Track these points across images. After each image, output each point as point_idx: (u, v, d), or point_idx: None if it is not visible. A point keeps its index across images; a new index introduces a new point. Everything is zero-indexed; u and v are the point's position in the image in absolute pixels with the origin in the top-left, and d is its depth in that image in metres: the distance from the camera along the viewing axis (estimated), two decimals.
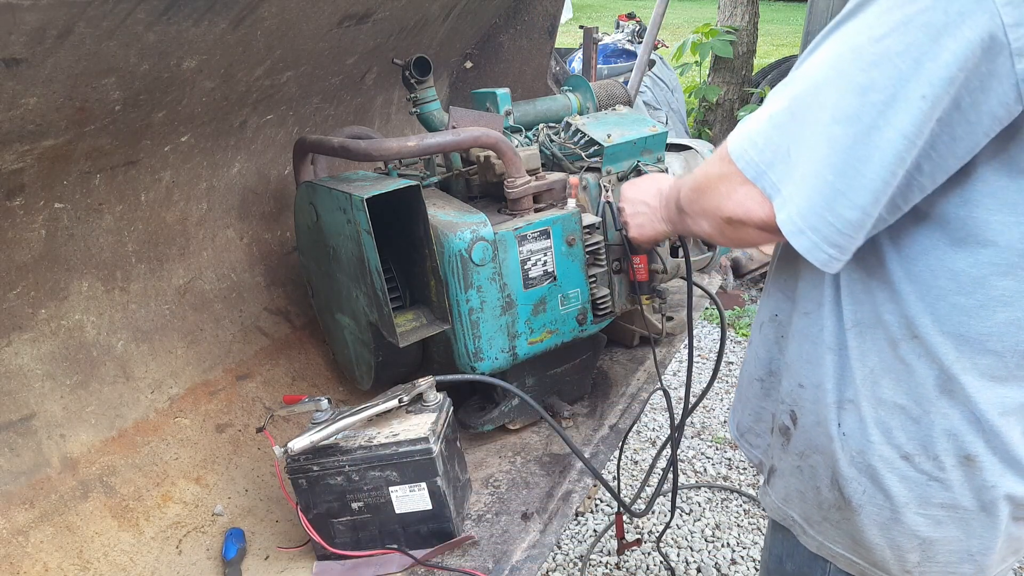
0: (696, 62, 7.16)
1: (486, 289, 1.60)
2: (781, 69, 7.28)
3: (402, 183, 1.55)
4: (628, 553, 2.88)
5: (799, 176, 0.92)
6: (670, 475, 1.90)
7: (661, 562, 2.83)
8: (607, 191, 1.84)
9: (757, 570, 2.76)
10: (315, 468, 1.42)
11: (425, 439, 1.40)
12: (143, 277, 1.83)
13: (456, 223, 1.59)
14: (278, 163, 2.16)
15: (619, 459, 2.03)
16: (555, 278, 1.69)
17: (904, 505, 1.06)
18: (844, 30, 0.91)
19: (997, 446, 1.01)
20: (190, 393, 1.85)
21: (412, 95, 1.88)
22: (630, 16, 8.94)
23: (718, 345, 1.89)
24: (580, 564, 2.85)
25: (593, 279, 1.78)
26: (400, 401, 1.48)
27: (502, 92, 1.97)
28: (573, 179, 1.80)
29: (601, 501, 3.20)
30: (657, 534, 2.93)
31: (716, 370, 1.92)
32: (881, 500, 1.08)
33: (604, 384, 2.06)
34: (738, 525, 3.03)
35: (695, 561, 2.85)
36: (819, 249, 0.93)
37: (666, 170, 1.94)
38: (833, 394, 1.10)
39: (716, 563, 2.83)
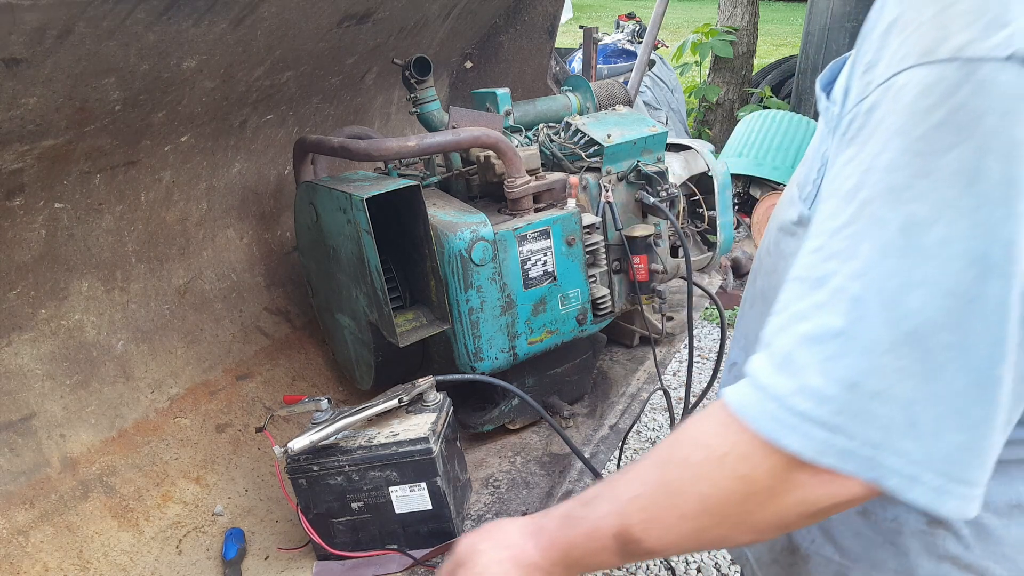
0: (696, 62, 7.16)
1: (486, 289, 1.60)
2: (781, 69, 7.28)
3: (402, 183, 1.55)
4: None
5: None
6: None
7: (661, 562, 2.83)
8: (607, 191, 1.84)
9: None
10: (315, 468, 1.42)
11: (425, 439, 1.40)
12: (143, 277, 1.83)
13: (456, 223, 1.58)
14: (278, 163, 2.16)
15: (619, 459, 2.03)
16: (555, 278, 1.69)
17: (855, 561, 0.91)
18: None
19: None
20: (190, 393, 1.85)
21: (412, 95, 1.88)
22: (630, 16, 8.94)
23: (718, 345, 1.89)
24: None
25: (593, 279, 1.78)
26: (400, 401, 1.48)
27: (502, 92, 1.97)
28: (573, 179, 1.80)
29: None
30: None
31: (716, 370, 1.92)
32: (830, 552, 0.93)
33: (604, 384, 2.05)
34: None
35: (695, 561, 2.85)
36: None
37: (666, 170, 1.94)
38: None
39: (716, 563, 2.83)
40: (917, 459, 0.63)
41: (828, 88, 0.87)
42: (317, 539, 1.44)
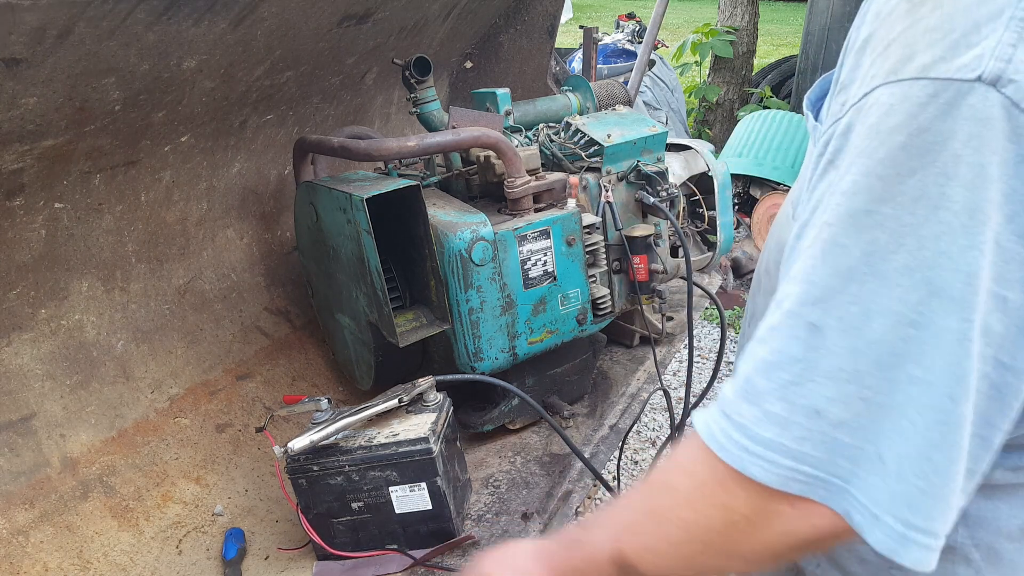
0: (696, 62, 7.16)
1: (486, 289, 1.60)
2: (781, 69, 7.28)
3: (402, 183, 1.55)
4: None
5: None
6: None
7: None
8: (607, 191, 1.84)
9: None
10: (315, 468, 1.42)
11: (425, 439, 1.40)
12: (143, 277, 1.83)
13: (456, 223, 1.58)
14: (278, 163, 2.16)
15: (619, 459, 2.03)
16: (555, 278, 1.69)
17: None
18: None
19: None
20: (190, 393, 1.85)
21: (412, 95, 1.88)
22: (630, 16, 8.93)
23: (718, 345, 1.89)
24: None
25: (593, 279, 1.78)
26: (400, 401, 1.48)
27: (502, 92, 1.97)
28: (573, 179, 1.80)
29: (601, 501, 3.20)
30: None
31: (716, 370, 1.92)
32: None
33: (604, 384, 2.05)
34: None
35: None
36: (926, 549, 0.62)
37: (666, 170, 1.94)
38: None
39: None
40: (880, 499, 0.60)
41: (816, 107, 0.84)
42: (317, 539, 1.44)
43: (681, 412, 1.84)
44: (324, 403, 1.50)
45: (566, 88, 2.24)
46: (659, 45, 7.69)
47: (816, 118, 0.82)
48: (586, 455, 1.72)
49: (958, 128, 0.55)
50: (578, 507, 1.71)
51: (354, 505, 1.44)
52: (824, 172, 0.65)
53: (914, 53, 0.57)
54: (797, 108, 6.21)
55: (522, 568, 0.86)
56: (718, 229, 2.20)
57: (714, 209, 2.20)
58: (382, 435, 1.44)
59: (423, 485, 1.42)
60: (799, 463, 0.62)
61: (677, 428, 1.83)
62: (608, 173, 1.89)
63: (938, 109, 0.55)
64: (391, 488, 1.42)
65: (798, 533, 0.65)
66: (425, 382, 1.53)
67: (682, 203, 2.14)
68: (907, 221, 0.57)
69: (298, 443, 1.36)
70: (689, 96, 7.35)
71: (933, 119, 0.55)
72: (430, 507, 1.43)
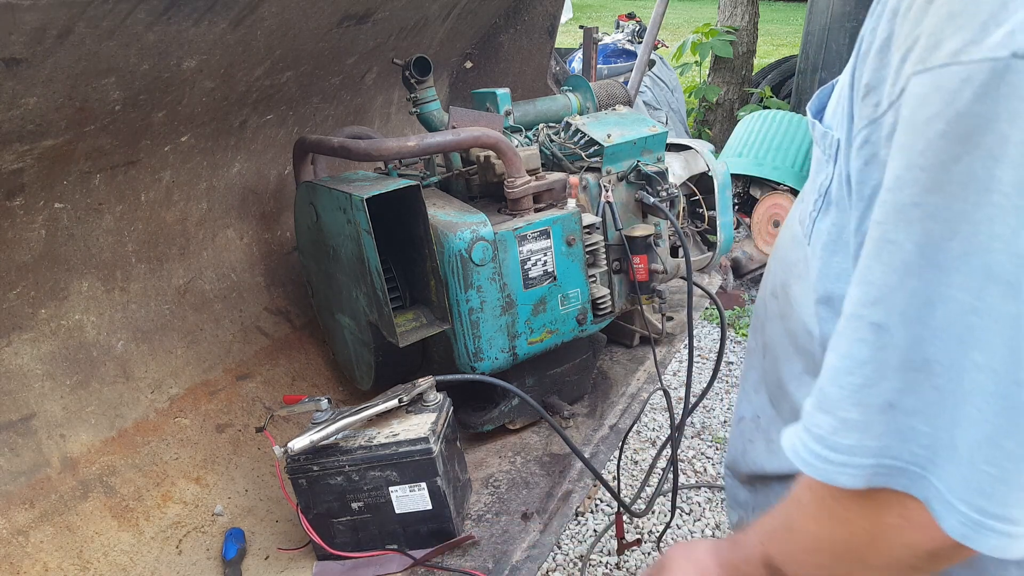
0: (696, 62, 7.15)
1: (486, 289, 1.60)
2: (781, 69, 7.28)
3: (402, 183, 1.55)
4: (628, 553, 2.87)
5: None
6: (670, 475, 1.90)
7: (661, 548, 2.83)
8: (607, 191, 1.84)
9: None
10: (315, 468, 1.42)
11: (425, 439, 1.40)
12: (143, 277, 1.83)
13: (456, 223, 1.59)
14: (278, 163, 2.16)
15: (619, 459, 2.03)
16: (555, 278, 1.69)
17: None
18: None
19: None
20: (190, 393, 1.85)
21: (412, 95, 1.88)
22: (630, 16, 8.93)
23: (718, 345, 1.89)
24: (580, 564, 2.85)
25: (593, 279, 1.78)
26: (400, 401, 1.48)
27: (502, 92, 1.97)
28: (573, 179, 1.80)
29: (601, 501, 3.20)
30: (657, 534, 2.93)
31: (716, 370, 1.92)
32: None
33: (604, 384, 2.05)
34: None
35: None
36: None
37: (666, 170, 1.94)
38: None
39: None
40: (954, 486, 0.60)
41: (819, 115, 0.83)
42: (317, 540, 1.44)
43: (681, 412, 1.84)
44: (324, 403, 1.50)
45: (566, 88, 2.24)
46: (659, 45, 7.69)
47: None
48: (586, 455, 1.72)
49: (1000, 108, 0.53)
50: (578, 507, 1.71)
51: (354, 505, 1.44)
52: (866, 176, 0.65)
53: (941, 40, 0.56)
54: (797, 108, 6.21)
55: (700, 559, 0.93)
56: (718, 229, 2.20)
57: (714, 209, 2.20)
58: (382, 435, 1.44)
59: (423, 485, 1.42)
60: (880, 458, 0.62)
61: (677, 428, 1.83)
62: (608, 173, 1.89)
63: (975, 92, 0.54)
64: (391, 488, 1.42)
65: (916, 543, 0.65)
66: (425, 382, 1.53)
67: (682, 203, 2.14)
68: (958, 208, 0.56)
69: (298, 443, 1.36)
70: (689, 96, 7.35)
71: (971, 102, 0.54)
72: (430, 507, 1.43)
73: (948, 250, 0.57)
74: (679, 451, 3.28)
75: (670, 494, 2.01)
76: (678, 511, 3.10)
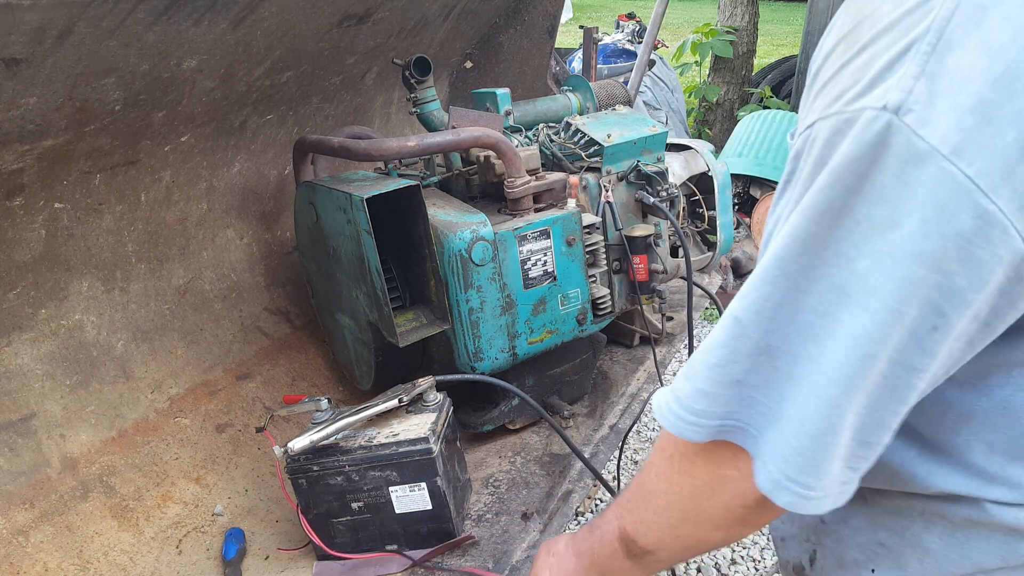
0: (696, 62, 7.15)
1: (486, 289, 1.60)
2: (781, 69, 7.28)
3: (402, 183, 1.55)
4: None
5: None
6: None
7: None
8: (607, 191, 1.84)
9: (757, 570, 2.76)
10: (315, 468, 1.42)
11: (425, 439, 1.40)
12: (143, 277, 1.83)
13: (456, 223, 1.58)
14: (278, 163, 2.16)
15: (619, 459, 2.03)
16: (555, 278, 1.69)
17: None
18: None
19: None
20: (190, 393, 1.85)
21: (412, 95, 1.88)
22: (630, 16, 8.93)
23: None
24: None
25: (593, 279, 1.78)
26: (400, 401, 1.48)
27: (502, 92, 1.97)
28: (573, 179, 1.80)
29: (601, 501, 3.20)
30: None
31: None
32: None
33: (604, 384, 2.05)
34: None
35: (695, 561, 2.85)
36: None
37: (666, 170, 1.94)
38: (866, 534, 0.91)
39: (716, 563, 2.83)
40: (769, 448, 0.72)
41: None
42: (317, 540, 1.44)
43: None
44: (324, 403, 1.50)
45: (566, 88, 2.24)
46: (659, 45, 7.69)
47: None
48: (586, 455, 1.72)
49: (864, 152, 0.63)
50: (578, 507, 1.71)
51: (354, 505, 1.44)
52: (781, 192, 0.75)
53: (844, 90, 0.66)
54: (797, 108, 6.21)
55: (557, 552, 1.03)
56: (718, 229, 2.20)
57: (714, 209, 2.20)
58: (382, 435, 1.44)
59: (423, 485, 1.42)
60: (724, 420, 0.74)
61: None
62: (608, 173, 1.89)
63: (852, 137, 0.63)
64: (391, 488, 1.42)
65: (745, 493, 0.76)
66: (425, 382, 1.53)
67: (682, 203, 2.14)
68: (814, 229, 0.66)
69: (298, 443, 1.36)
70: (689, 96, 7.35)
71: (848, 145, 0.64)
72: (430, 507, 1.43)
73: (799, 262, 0.67)
74: None
75: None
76: None
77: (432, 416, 1.48)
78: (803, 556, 1.01)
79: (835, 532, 0.95)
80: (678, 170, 2.18)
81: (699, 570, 2.82)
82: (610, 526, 0.91)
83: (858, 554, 0.92)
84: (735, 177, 5.07)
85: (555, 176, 1.77)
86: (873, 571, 0.91)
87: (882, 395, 0.68)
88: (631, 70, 2.69)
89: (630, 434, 1.99)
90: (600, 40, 3.32)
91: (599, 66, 5.37)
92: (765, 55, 9.76)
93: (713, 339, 0.75)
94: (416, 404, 1.53)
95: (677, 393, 0.78)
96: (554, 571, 1.02)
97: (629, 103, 2.23)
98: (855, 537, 0.92)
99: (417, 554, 1.43)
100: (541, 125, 2.01)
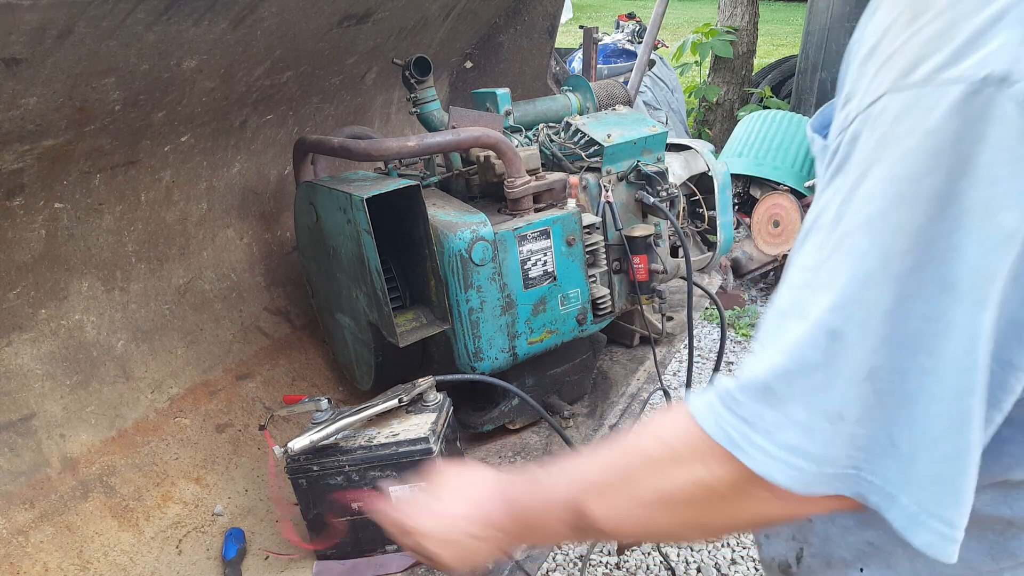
0: (696, 62, 7.15)
1: (486, 289, 1.60)
2: (781, 69, 7.28)
3: (402, 183, 1.55)
4: (628, 553, 2.87)
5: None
6: None
7: (661, 562, 2.83)
8: (607, 191, 1.84)
9: (757, 570, 2.76)
10: (315, 468, 1.42)
11: (425, 439, 1.40)
12: (143, 277, 1.83)
13: (456, 223, 1.58)
14: (278, 163, 2.15)
15: None
16: (555, 278, 1.69)
17: None
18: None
19: None
20: (190, 393, 1.85)
21: (412, 95, 1.88)
22: (630, 16, 8.93)
23: (718, 345, 1.89)
24: (580, 564, 2.85)
25: (593, 279, 1.78)
26: (400, 401, 1.48)
27: (502, 92, 1.97)
28: (573, 179, 1.80)
29: None
30: None
31: (716, 370, 1.92)
32: None
33: (604, 384, 2.05)
34: None
35: (695, 561, 2.85)
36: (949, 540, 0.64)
37: (666, 170, 1.94)
38: (855, 533, 0.88)
39: (716, 563, 2.83)
40: (894, 479, 0.63)
41: (823, 132, 0.83)
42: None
43: None
44: (324, 403, 1.50)
45: (566, 88, 2.24)
46: (659, 45, 7.69)
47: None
48: None
49: (967, 129, 0.56)
50: None
51: (354, 505, 1.44)
52: (831, 179, 0.66)
53: (919, 61, 0.58)
54: (797, 108, 6.21)
55: (479, 497, 0.93)
56: (718, 229, 2.20)
57: (714, 209, 2.20)
58: (382, 435, 1.44)
59: (423, 485, 1.41)
60: (821, 466, 0.64)
61: None
62: (608, 173, 1.89)
63: (946, 112, 0.56)
64: (391, 488, 1.42)
65: (773, 515, 0.70)
66: (425, 382, 1.53)
67: (682, 203, 2.14)
68: (921, 222, 0.58)
69: (298, 443, 1.36)
70: (689, 96, 7.35)
71: (942, 122, 0.56)
72: None
73: (908, 261, 0.59)
74: None
75: None
76: None
77: (432, 416, 1.48)
78: (789, 554, 0.98)
79: (823, 531, 0.92)
80: (678, 170, 2.18)
81: (699, 570, 2.82)
82: (562, 495, 0.83)
83: (846, 553, 0.89)
84: (735, 177, 5.07)
85: (555, 176, 1.77)
86: (862, 570, 0.88)
87: (985, 401, 0.62)
88: (631, 70, 2.69)
89: None
90: (600, 40, 3.32)
91: (599, 66, 5.37)
92: (765, 55, 9.76)
93: (801, 357, 0.64)
94: (416, 404, 1.53)
95: (758, 421, 0.66)
96: (470, 502, 0.93)
97: (629, 103, 2.23)
98: (844, 536, 0.89)
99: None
100: (541, 125, 2.01)
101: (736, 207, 5.21)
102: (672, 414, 0.76)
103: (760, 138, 5.18)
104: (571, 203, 1.73)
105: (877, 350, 0.61)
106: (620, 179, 1.91)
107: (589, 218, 1.76)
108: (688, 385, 1.81)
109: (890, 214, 0.60)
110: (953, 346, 0.60)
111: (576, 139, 1.91)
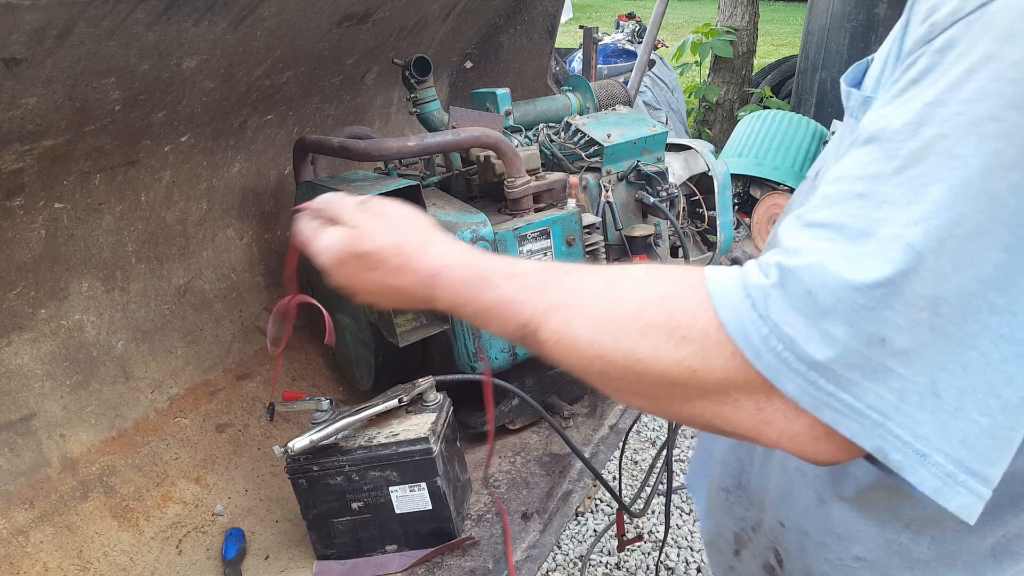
0: (696, 62, 7.16)
1: None
2: (781, 69, 7.28)
3: (402, 183, 1.55)
4: (628, 552, 2.88)
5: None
6: (676, 474, 1.91)
7: (661, 562, 2.83)
8: (607, 191, 1.84)
9: None
10: (315, 468, 1.42)
11: (425, 439, 1.40)
12: (143, 277, 1.83)
13: (456, 223, 1.58)
14: (278, 163, 2.15)
15: (620, 459, 2.04)
16: None
17: None
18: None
19: None
20: (190, 393, 1.85)
21: (412, 95, 1.88)
22: (630, 16, 8.93)
23: None
24: (580, 564, 2.85)
25: None
26: (400, 401, 1.48)
27: (502, 92, 1.97)
28: (573, 179, 1.80)
29: (601, 501, 3.20)
30: (657, 534, 2.93)
31: None
32: None
33: None
34: None
35: (695, 561, 2.85)
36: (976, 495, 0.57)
37: (666, 170, 1.94)
38: (835, 550, 0.83)
39: None
40: (928, 435, 0.55)
41: (856, 85, 0.79)
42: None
43: None
44: (324, 403, 1.50)
45: (566, 88, 2.24)
46: (659, 45, 7.69)
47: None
48: (586, 455, 1.72)
49: None
50: (578, 507, 1.71)
51: (354, 505, 1.44)
52: (900, 93, 0.58)
53: None
54: (797, 108, 6.21)
55: (430, 266, 0.80)
56: (718, 229, 2.20)
57: (714, 209, 2.20)
58: (382, 435, 1.44)
59: (423, 485, 1.42)
60: (841, 390, 0.56)
61: (677, 428, 1.83)
62: (608, 173, 1.89)
63: None
64: (391, 488, 1.42)
65: (744, 428, 0.62)
66: (425, 382, 1.53)
67: (682, 203, 2.14)
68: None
69: (298, 443, 1.36)
70: (689, 96, 7.35)
71: None
72: (430, 507, 1.43)
73: (1008, 177, 0.51)
74: (679, 451, 3.28)
75: (680, 492, 2.01)
76: (678, 511, 3.10)
77: (432, 416, 1.48)
78: (768, 553, 0.93)
79: (798, 541, 0.86)
80: (678, 170, 2.18)
81: (699, 570, 2.82)
82: (520, 307, 0.71)
83: (828, 568, 0.84)
84: (735, 177, 5.07)
85: (555, 176, 1.77)
86: None
87: None
88: (631, 70, 2.69)
89: (630, 434, 1.99)
90: (600, 40, 3.32)
91: (599, 66, 5.37)
92: (765, 55, 9.77)
93: (865, 268, 0.54)
94: (416, 404, 1.53)
95: (786, 328, 0.57)
96: (402, 285, 0.82)
97: (629, 103, 2.23)
98: (822, 552, 0.83)
99: (418, 553, 1.43)
100: (541, 125, 2.01)
101: (736, 207, 5.21)
102: (687, 279, 0.65)
103: (760, 138, 5.18)
104: (571, 203, 1.73)
105: (947, 277, 0.53)
106: (620, 179, 1.91)
107: (589, 218, 1.76)
108: None
109: (1002, 117, 0.51)
110: None
111: (576, 139, 1.91)
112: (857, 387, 0.55)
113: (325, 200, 0.92)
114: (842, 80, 0.83)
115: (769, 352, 0.58)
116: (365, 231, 0.85)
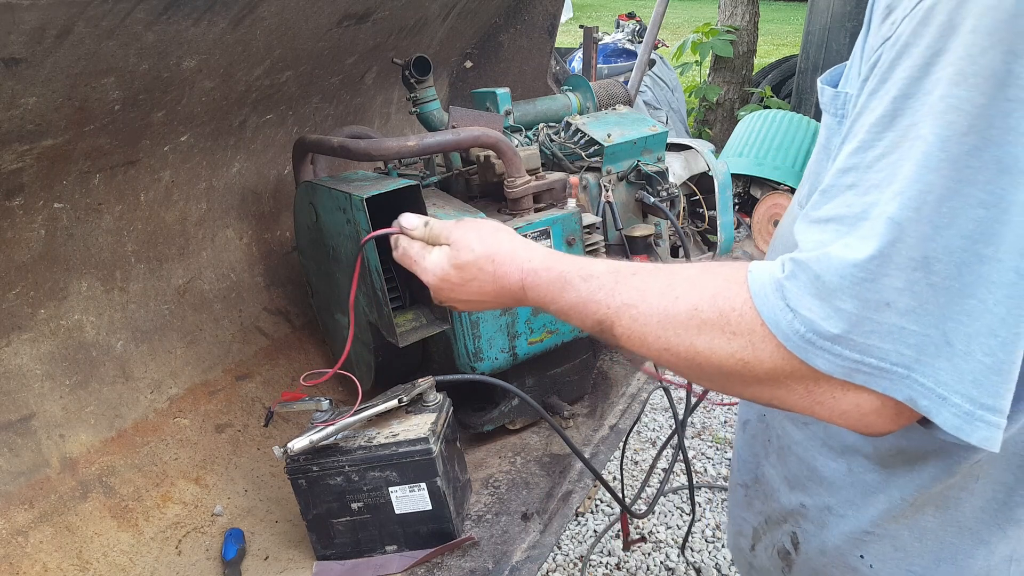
0: (696, 62, 7.16)
1: None
2: (781, 69, 7.28)
3: (402, 183, 1.55)
4: (629, 553, 2.88)
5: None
6: (679, 473, 1.90)
7: (661, 562, 2.83)
8: (607, 191, 1.84)
9: None
10: (315, 468, 1.42)
11: (425, 439, 1.40)
12: (143, 277, 1.83)
13: None
14: (278, 163, 2.15)
15: (621, 459, 2.04)
16: None
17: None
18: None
19: None
20: (190, 393, 1.85)
21: (412, 95, 1.88)
22: (630, 16, 8.94)
23: None
24: (580, 564, 2.85)
25: None
26: (400, 401, 1.48)
27: (502, 92, 1.97)
28: (573, 179, 1.80)
29: (601, 501, 3.20)
30: (658, 535, 2.93)
31: None
32: None
33: (604, 384, 2.05)
34: None
35: (695, 561, 2.85)
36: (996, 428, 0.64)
37: (666, 170, 1.93)
38: (851, 522, 0.88)
39: (716, 563, 2.83)
40: (947, 379, 0.62)
41: (833, 84, 0.85)
42: None
43: (682, 412, 1.84)
44: (324, 403, 1.50)
45: (566, 88, 2.24)
46: (659, 45, 7.69)
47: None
48: (586, 455, 1.71)
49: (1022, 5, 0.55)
50: (578, 507, 1.71)
51: (354, 505, 1.44)
52: (876, 88, 0.65)
53: None
54: (797, 108, 6.21)
55: (506, 276, 0.93)
56: (718, 229, 2.20)
57: (714, 209, 2.20)
58: (382, 435, 1.44)
59: (423, 485, 1.41)
60: (865, 355, 0.64)
61: (679, 427, 1.83)
62: (608, 173, 1.89)
63: None
64: (391, 488, 1.42)
65: (800, 406, 0.70)
66: (425, 382, 1.53)
67: (682, 203, 2.14)
68: (977, 101, 0.58)
69: (298, 443, 1.36)
70: (689, 96, 7.35)
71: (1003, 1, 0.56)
72: (430, 507, 1.43)
73: (966, 144, 0.58)
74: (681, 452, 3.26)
75: (681, 492, 2.01)
76: (678, 511, 3.10)
77: (432, 416, 1.48)
78: (786, 540, 0.98)
79: (818, 518, 0.91)
80: (678, 170, 2.18)
81: (699, 570, 2.81)
82: (596, 308, 0.82)
83: (840, 541, 0.89)
84: (735, 177, 5.07)
85: (555, 176, 1.76)
86: (862, 556, 0.88)
87: None
88: (631, 70, 2.69)
89: (630, 434, 1.99)
90: (600, 40, 3.31)
91: (599, 66, 5.37)
92: (765, 55, 9.77)
93: (857, 246, 0.63)
94: (416, 404, 1.53)
95: (806, 313, 0.65)
96: (495, 289, 0.95)
97: (629, 103, 2.22)
98: (839, 525, 0.89)
99: (418, 554, 1.43)
100: (541, 125, 2.01)
101: (736, 207, 5.21)
102: (734, 277, 0.73)
103: (760, 138, 5.18)
104: (571, 203, 1.73)
105: (930, 238, 0.60)
106: (620, 179, 1.91)
107: (589, 218, 1.76)
108: (688, 384, 1.81)
109: (950, 94, 0.59)
110: (1012, 230, 0.58)
111: (576, 139, 1.91)
112: (878, 350, 0.63)
113: (410, 222, 1.09)
114: (819, 80, 0.89)
115: (795, 335, 0.66)
116: (463, 245, 0.98)
